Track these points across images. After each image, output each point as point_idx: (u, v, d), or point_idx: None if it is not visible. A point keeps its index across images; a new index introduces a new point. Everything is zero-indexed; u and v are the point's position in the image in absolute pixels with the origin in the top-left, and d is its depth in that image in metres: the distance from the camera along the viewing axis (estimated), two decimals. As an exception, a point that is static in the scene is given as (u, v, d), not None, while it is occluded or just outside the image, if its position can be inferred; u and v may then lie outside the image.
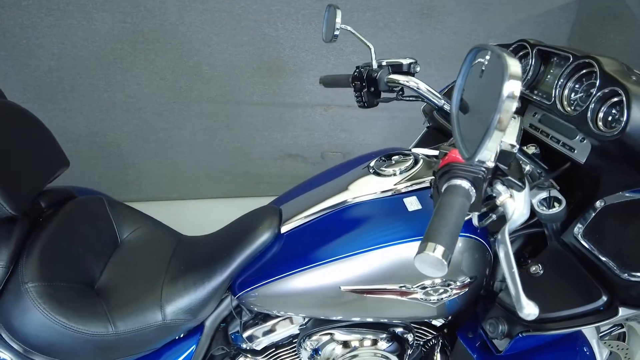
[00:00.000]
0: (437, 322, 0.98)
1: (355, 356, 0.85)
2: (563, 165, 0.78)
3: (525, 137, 0.90)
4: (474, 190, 0.57)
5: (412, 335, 0.90)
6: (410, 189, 0.83)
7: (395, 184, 0.83)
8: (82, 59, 2.11)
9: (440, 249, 0.48)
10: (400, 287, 0.76)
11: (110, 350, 0.82)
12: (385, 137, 2.50)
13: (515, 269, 0.54)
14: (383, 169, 0.89)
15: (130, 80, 2.19)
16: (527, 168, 0.75)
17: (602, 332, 1.04)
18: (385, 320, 0.85)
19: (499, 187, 0.62)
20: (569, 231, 0.74)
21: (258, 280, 0.84)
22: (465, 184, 0.57)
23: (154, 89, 2.22)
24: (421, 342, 0.96)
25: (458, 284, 0.76)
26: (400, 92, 1.04)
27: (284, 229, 0.88)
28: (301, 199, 0.94)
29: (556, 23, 2.34)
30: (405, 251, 0.75)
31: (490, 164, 0.59)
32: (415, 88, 0.96)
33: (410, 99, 1.04)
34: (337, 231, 0.82)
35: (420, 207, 0.79)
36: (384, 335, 0.86)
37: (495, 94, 0.44)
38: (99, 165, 2.37)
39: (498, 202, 0.61)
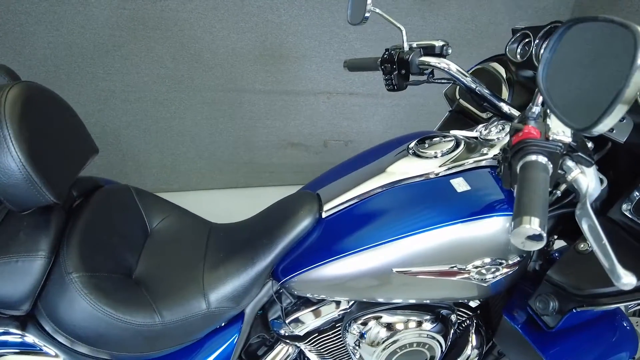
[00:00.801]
0: (473, 303, 0.99)
1: (401, 338, 0.85)
2: (600, 145, 0.80)
3: None
4: (551, 165, 0.57)
5: (455, 316, 0.90)
6: (455, 170, 0.83)
7: (440, 166, 0.83)
8: (78, 46, 2.03)
9: (536, 221, 0.48)
10: (452, 267, 0.76)
11: (157, 341, 0.80)
12: (388, 124, 2.50)
13: (605, 241, 0.54)
14: (423, 151, 0.88)
15: (130, 68, 2.12)
16: None
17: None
18: (431, 301, 0.86)
19: (569, 163, 0.62)
20: (616, 209, 0.75)
21: (303, 265, 0.83)
22: (542, 159, 0.57)
23: (154, 77, 2.16)
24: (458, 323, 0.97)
25: (509, 262, 0.76)
26: (431, 75, 1.03)
27: (325, 213, 0.87)
28: (338, 183, 0.92)
29: (555, 8, 2.37)
30: (459, 231, 0.75)
31: (567, 140, 0.59)
32: (446, 69, 0.95)
33: (442, 81, 1.03)
34: (385, 214, 0.81)
35: (468, 187, 0.79)
36: (429, 317, 0.86)
37: (612, 66, 0.44)
38: (97, 156, 2.30)
39: (569, 177, 0.61)
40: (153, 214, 1.00)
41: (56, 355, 0.78)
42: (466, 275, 0.77)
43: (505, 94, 1.13)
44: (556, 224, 0.86)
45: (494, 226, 0.75)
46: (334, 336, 0.93)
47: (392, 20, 1.02)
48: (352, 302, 0.89)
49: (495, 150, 0.84)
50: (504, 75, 1.16)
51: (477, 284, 0.78)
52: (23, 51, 1.98)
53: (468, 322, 0.99)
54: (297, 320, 0.91)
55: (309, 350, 0.97)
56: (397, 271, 0.77)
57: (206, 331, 0.86)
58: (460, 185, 0.80)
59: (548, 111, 0.66)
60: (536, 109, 0.67)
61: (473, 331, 0.98)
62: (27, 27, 1.95)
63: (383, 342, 0.85)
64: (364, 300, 0.86)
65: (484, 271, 0.77)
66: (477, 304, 0.99)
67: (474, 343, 0.98)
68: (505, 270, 0.78)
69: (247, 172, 2.55)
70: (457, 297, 0.84)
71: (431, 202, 0.79)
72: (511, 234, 0.50)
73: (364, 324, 0.86)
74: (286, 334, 0.93)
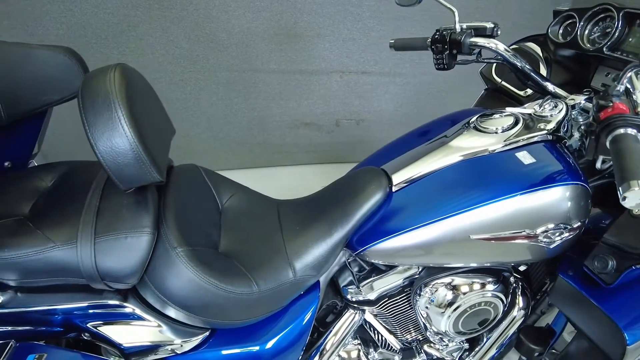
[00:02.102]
0: (522, 267, 1.07)
1: (470, 299, 0.93)
2: None
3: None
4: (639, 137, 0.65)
5: (514, 277, 0.99)
6: (517, 145, 0.89)
7: (504, 140, 0.90)
8: (92, 27, 2.00)
9: None
10: (522, 232, 0.84)
11: (253, 309, 0.85)
12: (399, 102, 2.55)
13: None
14: (485, 126, 0.94)
15: (145, 49, 2.10)
16: None
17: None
18: (492, 264, 0.93)
19: None
20: None
21: (379, 236, 0.89)
22: (632, 131, 0.64)
23: (170, 57, 2.14)
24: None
25: (574, 226, 0.84)
26: (479, 55, 1.09)
27: (395, 187, 0.92)
28: (403, 158, 0.98)
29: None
30: (531, 199, 0.82)
31: None
32: (495, 49, 1.01)
33: (491, 60, 1.09)
34: (457, 185, 0.87)
35: (534, 160, 0.86)
36: (492, 279, 0.94)
37: None
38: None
39: None
40: (221, 191, 1.03)
41: (157, 325, 0.83)
42: (534, 240, 0.85)
43: (543, 72, 1.19)
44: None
45: (560, 194, 0.83)
46: (401, 301, 1.00)
47: (444, 2, 1.06)
48: (422, 268, 0.97)
49: (552, 126, 0.91)
50: (541, 55, 1.22)
51: (541, 247, 0.86)
52: (36, 32, 1.94)
53: (515, 284, 1.07)
54: (369, 286, 0.97)
55: (375, 315, 1.04)
56: (474, 238, 0.84)
57: (290, 299, 0.92)
58: (525, 158, 0.87)
59: (632, 89, 0.73)
60: (621, 87, 0.74)
61: (519, 293, 1.07)
62: (40, 7, 1.90)
63: (453, 303, 0.93)
64: (436, 265, 0.93)
65: (550, 235, 0.85)
66: (524, 268, 1.08)
67: (521, 304, 1.07)
68: (567, 234, 0.86)
69: (260, 152, 2.57)
70: (522, 259, 0.92)
71: (502, 173, 0.86)
72: (624, 200, 0.57)
73: (435, 288, 0.94)
74: (357, 300, 1.00)
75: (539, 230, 0.84)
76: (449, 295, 0.93)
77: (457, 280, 0.93)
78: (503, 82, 1.28)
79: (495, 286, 0.94)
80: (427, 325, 1.00)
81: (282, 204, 1.05)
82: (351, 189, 0.96)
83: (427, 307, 0.96)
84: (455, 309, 0.94)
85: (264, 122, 2.47)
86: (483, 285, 0.94)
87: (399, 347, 1.08)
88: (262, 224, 0.98)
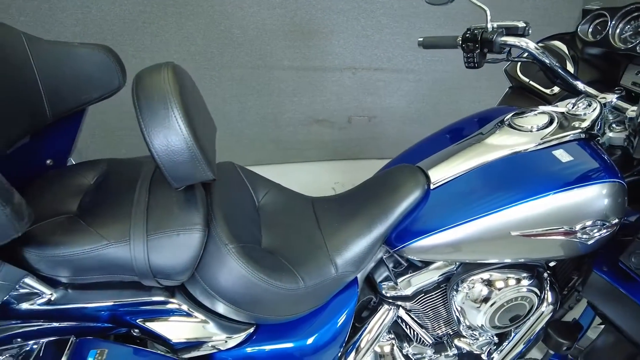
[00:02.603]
0: (552, 263, 1.09)
1: (506, 294, 0.95)
2: None
3: (629, 96, 1.00)
4: None
5: (547, 273, 1.01)
6: (554, 142, 0.91)
7: (541, 138, 0.91)
8: (108, 23, 1.99)
9: None
10: (561, 228, 0.85)
11: (299, 304, 0.87)
12: (410, 99, 2.56)
13: None
14: (520, 124, 0.95)
15: (160, 45, 2.10)
16: None
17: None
18: (527, 260, 0.95)
19: None
20: None
21: (419, 233, 0.90)
22: None
23: (184, 54, 2.14)
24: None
25: (612, 222, 0.86)
26: (509, 53, 1.09)
27: (433, 185, 0.94)
28: (439, 156, 0.99)
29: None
30: (570, 197, 0.83)
31: None
32: (525, 47, 1.02)
33: (522, 59, 1.10)
34: (496, 183, 0.89)
35: (571, 158, 0.87)
36: (527, 274, 0.96)
37: None
38: (125, 136, 2.29)
39: None
40: (257, 189, 1.04)
41: (204, 321, 0.84)
42: (572, 236, 0.87)
43: (570, 70, 1.21)
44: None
45: (598, 191, 0.84)
46: (436, 296, 1.02)
47: (476, 1, 1.07)
48: (458, 264, 0.98)
49: (586, 124, 0.92)
50: (567, 53, 1.23)
51: (578, 243, 0.88)
52: (52, 29, 1.93)
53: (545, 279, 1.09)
54: (407, 282, 0.99)
55: (408, 311, 1.06)
56: (514, 234, 0.85)
57: (330, 295, 0.93)
58: (563, 156, 0.88)
59: None
60: None
61: (548, 288, 1.09)
62: (56, 4, 1.90)
63: (490, 298, 0.95)
64: (475, 261, 0.94)
65: (587, 232, 0.86)
66: (553, 264, 1.10)
67: (550, 299, 1.08)
68: (604, 230, 0.87)
69: (273, 149, 2.58)
70: (558, 255, 0.93)
71: (541, 171, 0.87)
72: None
73: (472, 283, 0.95)
74: (393, 295, 1.01)
75: (577, 227, 0.85)
76: (486, 291, 0.95)
77: (494, 275, 0.95)
78: (531, 82, 1.29)
79: (530, 281, 0.96)
80: (462, 319, 1.01)
81: (317, 201, 1.06)
82: (389, 186, 0.97)
83: (464, 303, 0.97)
84: (492, 304, 0.95)
85: (277, 118, 2.47)
86: (518, 281, 0.96)
87: (430, 342, 1.09)
88: (300, 221, 0.99)
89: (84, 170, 0.91)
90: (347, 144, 2.67)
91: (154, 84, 0.70)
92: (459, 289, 0.96)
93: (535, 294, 0.97)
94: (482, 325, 0.98)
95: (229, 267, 0.77)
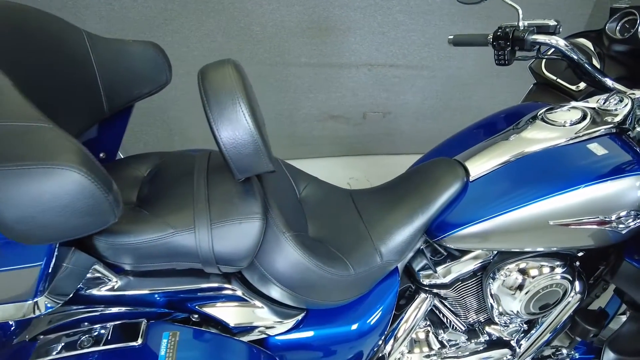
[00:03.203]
0: (580, 253, 1.13)
1: (541, 281, 0.99)
2: None
3: None
4: None
5: (579, 262, 1.05)
6: (588, 136, 0.95)
7: (575, 132, 0.95)
8: (130, 20, 2.02)
9: None
10: (597, 218, 0.89)
11: (349, 291, 0.90)
12: (425, 95, 2.59)
13: None
14: (553, 119, 0.99)
15: (180, 42, 2.13)
16: None
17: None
18: (559, 249, 0.99)
19: None
20: None
21: (459, 224, 0.94)
22: None
23: (204, 51, 2.17)
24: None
25: None
26: (539, 51, 1.13)
27: (472, 177, 0.98)
28: (476, 150, 1.03)
29: None
30: (606, 188, 0.87)
31: None
32: (555, 45, 1.06)
33: (551, 56, 1.13)
34: (534, 175, 0.92)
35: (606, 151, 0.91)
36: (561, 262, 1.00)
37: None
38: (144, 132, 2.32)
39: None
40: (297, 181, 1.08)
41: (258, 306, 0.88)
42: (607, 225, 0.91)
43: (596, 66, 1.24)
44: None
45: (633, 182, 0.88)
46: (472, 284, 1.06)
47: (508, 0, 1.10)
48: (495, 252, 1.02)
49: (619, 119, 0.96)
50: (593, 50, 1.27)
51: (612, 232, 0.92)
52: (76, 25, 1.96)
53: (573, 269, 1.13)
54: (447, 270, 1.03)
55: (443, 299, 1.10)
56: (552, 223, 0.89)
57: (374, 283, 0.97)
58: (597, 149, 0.92)
59: None
60: None
61: (576, 277, 1.13)
62: (80, 2, 1.92)
63: (526, 286, 0.99)
64: (512, 250, 0.98)
65: (622, 221, 0.90)
66: (582, 254, 1.14)
67: (578, 288, 1.12)
68: (638, 220, 0.91)
69: (287, 145, 2.61)
70: (593, 243, 0.97)
71: (577, 163, 0.91)
72: None
73: (509, 271, 0.99)
74: (431, 284, 1.05)
75: (612, 217, 0.89)
76: (522, 279, 0.99)
77: (530, 264, 0.99)
78: (558, 79, 1.33)
79: (563, 269, 1.00)
80: (496, 306, 1.05)
81: (355, 193, 1.10)
82: (429, 179, 1.00)
83: (499, 290, 1.01)
84: (527, 291, 0.99)
85: (293, 115, 2.50)
86: (552, 269, 1.00)
87: (463, 328, 1.13)
88: (341, 212, 1.02)
89: (136, 163, 0.95)
90: (362, 139, 2.70)
91: (219, 79, 0.73)
92: (496, 276, 1.00)
93: (568, 280, 1.01)
94: (517, 311, 1.02)
95: (287, 254, 0.81)
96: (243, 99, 0.72)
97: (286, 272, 0.82)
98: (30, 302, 0.64)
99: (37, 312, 0.65)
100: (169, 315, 0.85)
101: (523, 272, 0.99)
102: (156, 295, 0.83)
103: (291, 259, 0.81)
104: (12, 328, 0.87)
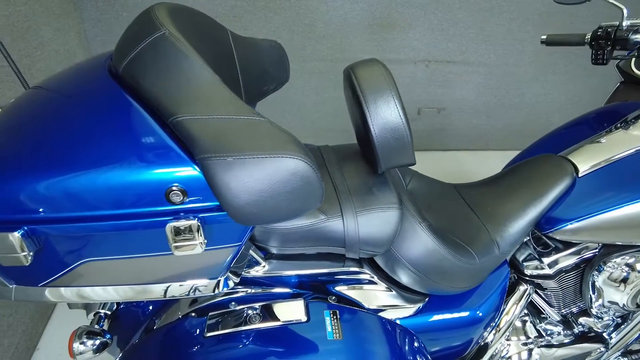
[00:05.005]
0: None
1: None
2: None
3: None
4: None
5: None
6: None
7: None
8: (202, 17, 2.09)
9: None
10: None
11: (472, 278, 0.95)
12: (479, 91, 2.60)
13: None
14: (662, 116, 1.02)
15: (248, 39, 2.19)
16: None
17: None
18: None
19: None
20: None
21: (570, 218, 0.98)
22: None
23: (270, 47, 2.23)
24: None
25: None
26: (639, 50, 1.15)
27: (582, 173, 1.01)
28: (582, 146, 1.06)
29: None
30: None
31: None
32: None
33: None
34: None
35: None
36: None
37: None
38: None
39: None
40: (403, 174, 1.13)
41: (387, 290, 0.93)
42: None
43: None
44: None
45: None
46: (574, 275, 1.10)
47: (613, 1, 1.12)
48: (601, 245, 1.05)
49: None
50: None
51: None
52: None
53: None
54: (553, 262, 1.07)
55: (540, 290, 1.13)
56: None
57: (490, 273, 1.01)
58: None
59: None
60: None
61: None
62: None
63: (630, 279, 1.02)
64: (620, 243, 1.01)
65: None
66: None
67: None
68: None
69: (344, 140, 2.63)
70: None
71: None
72: None
73: (616, 264, 1.02)
74: (534, 274, 1.09)
75: None
76: (628, 271, 1.02)
77: (638, 257, 1.02)
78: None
79: None
80: (597, 298, 1.09)
81: (459, 187, 1.14)
82: (539, 174, 1.04)
83: (605, 283, 1.05)
84: (633, 284, 1.03)
85: (350, 110, 2.55)
86: (655, 261, 1.03)
87: (557, 319, 1.17)
88: (451, 204, 1.07)
89: None
90: (415, 135, 2.71)
91: (374, 77, 0.78)
92: (602, 269, 1.04)
93: None
94: (623, 305, 1.05)
95: (424, 242, 0.86)
96: (397, 95, 0.77)
97: (421, 259, 0.87)
98: (216, 280, 0.71)
99: (217, 291, 0.72)
100: (300, 296, 0.91)
101: (631, 265, 1.02)
102: (298, 278, 0.89)
103: (427, 246, 0.86)
104: (150, 308, 0.95)
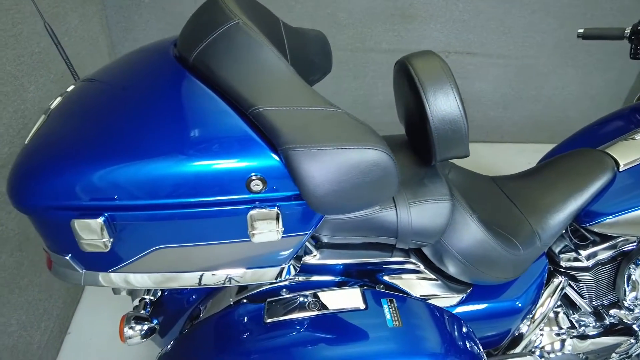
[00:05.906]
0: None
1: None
2: None
3: None
4: None
5: None
6: None
7: None
8: (225, 5, 2.07)
9: None
10: None
11: (516, 269, 0.96)
12: (498, 83, 2.60)
13: None
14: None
15: (269, 27, 2.18)
16: None
17: None
18: None
19: None
20: None
21: (610, 212, 0.99)
22: None
23: (291, 36, 2.22)
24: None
25: None
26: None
27: (623, 167, 1.02)
28: (622, 141, 1.07)
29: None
30: None
31: None
32: None
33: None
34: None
35: None
36: None
37: None
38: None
39: None
40: (442, 166, 1.14)
41: (433, 279, 0.95)
42: None
43: None
44: None
45: None
46: (610, 268, 1.11)
47: None
48: (639, 238, 1.07)
49: None
50: None
51: None
52: (174, 15, 2.02)
53: None
54: (591, 254, 1.08)
55: (576, 281, 1.15)
56: None
57: (531, 263, 1.03)
58: None
59: None
60: None
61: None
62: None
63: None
64: None
65: None
66: None
67: None
68: None
69: (359, 129, 2.66)
70: None
71: None
72: None
73: (653, 258, 1.05)
74: (570, 266, 1.11)
75: None
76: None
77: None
78: None
79: None
80: (631, 291, 1.11)
81: (497, 180, 1.15)
82: (579, 168, 1.05)
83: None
84: None
85: (368, 100, 2.55)
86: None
87: (589, 310, 1.19)
88: (491, 196, 1.08)
89: None
90: (431, 126, 2.73)
91: (434, 69, 0.79)
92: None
93: None
94: None
95: (474, 233, 0.87)
96: (456, 87, 0.78)
97: (471, 250, 0.88)
98: (279, 267, 0.72)
99: (279, 278, 0.73)
100: (346, 284, 0.92)
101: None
102: (343, 267, 0.90)
103: (478, 237, 0.88)
104: (193, 297, 0.96)
